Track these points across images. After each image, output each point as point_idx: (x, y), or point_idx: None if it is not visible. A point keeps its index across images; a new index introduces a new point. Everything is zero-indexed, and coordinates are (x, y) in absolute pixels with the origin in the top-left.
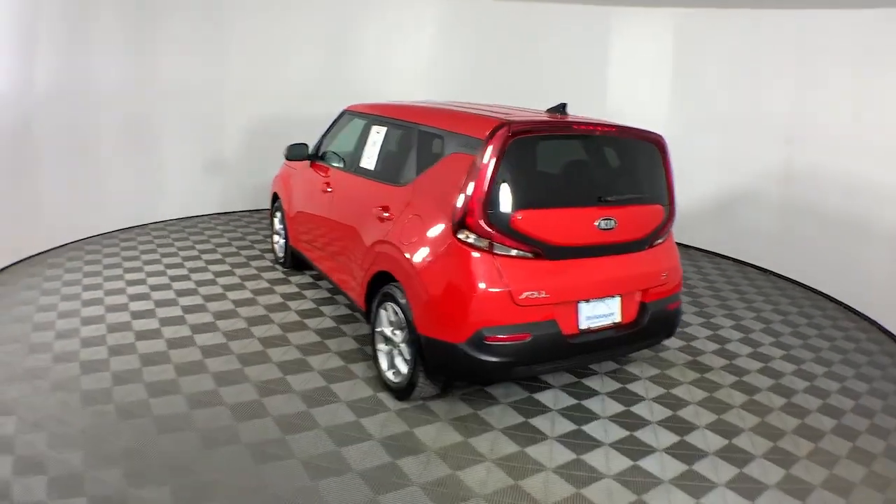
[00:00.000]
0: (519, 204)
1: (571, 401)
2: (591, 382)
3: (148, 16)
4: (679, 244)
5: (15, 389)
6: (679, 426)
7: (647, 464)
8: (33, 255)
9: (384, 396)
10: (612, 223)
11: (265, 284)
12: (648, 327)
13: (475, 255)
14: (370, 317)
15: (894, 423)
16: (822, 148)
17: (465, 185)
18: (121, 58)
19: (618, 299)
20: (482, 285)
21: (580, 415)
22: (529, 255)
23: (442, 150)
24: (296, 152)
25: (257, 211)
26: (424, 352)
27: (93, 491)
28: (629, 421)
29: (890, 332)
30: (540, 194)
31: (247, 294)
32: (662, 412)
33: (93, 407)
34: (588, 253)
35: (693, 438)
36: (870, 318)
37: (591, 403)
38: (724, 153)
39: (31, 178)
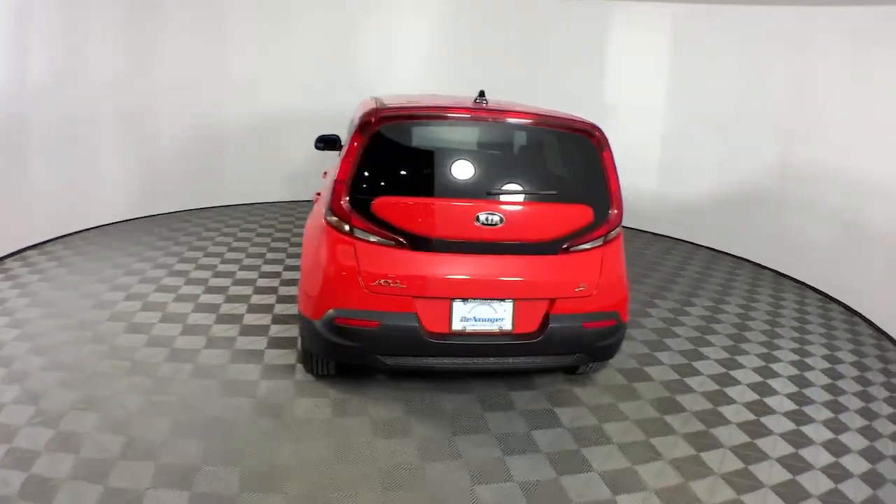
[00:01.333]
0: (383, 190)
1: (475, 410)
2: (518, 398)
3: (146, 5)
4: (680, 240)
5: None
6: (565, 464)
7: (483, 491)
8: (32, 246)
9: (301, 368)
10: (496, 219)
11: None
12: (546, 343)
13: (336, 237)
14: None
15: None
16: (820, 144)
17: (337, 170)
18: (118, 48)
19: (509, 304)
20: (335, 267)
21: (467, 423)
22: (390, 242)
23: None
24: (321, 142)
25: (263, 204)
26: (299, 326)
27: (30, 386)
28: (514, 445)
29: None
30: (409, 181)
31: (277, 268)
32: (564, 445)
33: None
34: (466, 249)
35: (569, 482)
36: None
37: (494, 418)
38: (721, 148)
39: (26, 169)
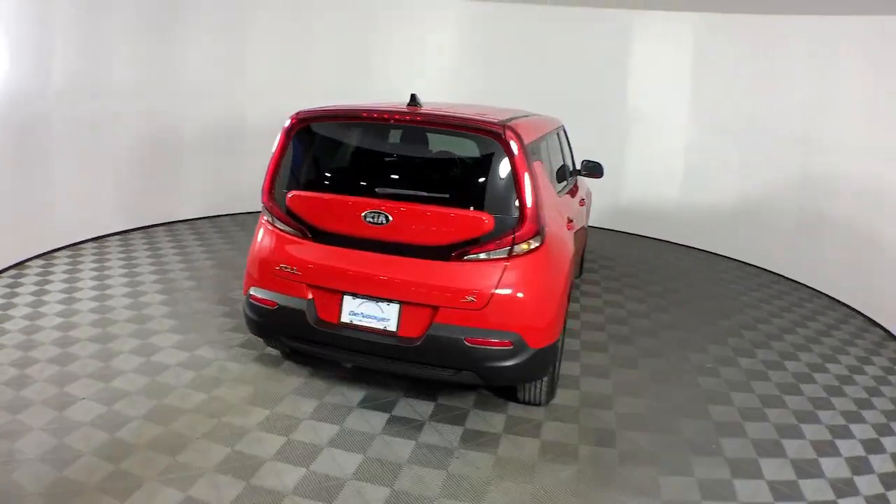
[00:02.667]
0: (293, 185)
1: (379, 414)
2: (425, 407)
3: (167, 11)
4: (699, 249)
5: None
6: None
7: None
8: (49, 252)
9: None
10: (381, 218)
11: None
12: (424, 351)
13: (264, 225)
14: None
15: None
16: (839, 153)
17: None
18: (139, 54)
19: (396, 306)
20: (257, 250)
21: (362, 420)
22: (297, 233)
23: None
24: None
25: None
26: None
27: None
28: (343, 439)
29: None
30: (314, 178)
31: None
32: (432, 478)
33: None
34: (355, 245)
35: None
36: None
37: (359, 414)
38: (742, 157)
39: (46, 174)
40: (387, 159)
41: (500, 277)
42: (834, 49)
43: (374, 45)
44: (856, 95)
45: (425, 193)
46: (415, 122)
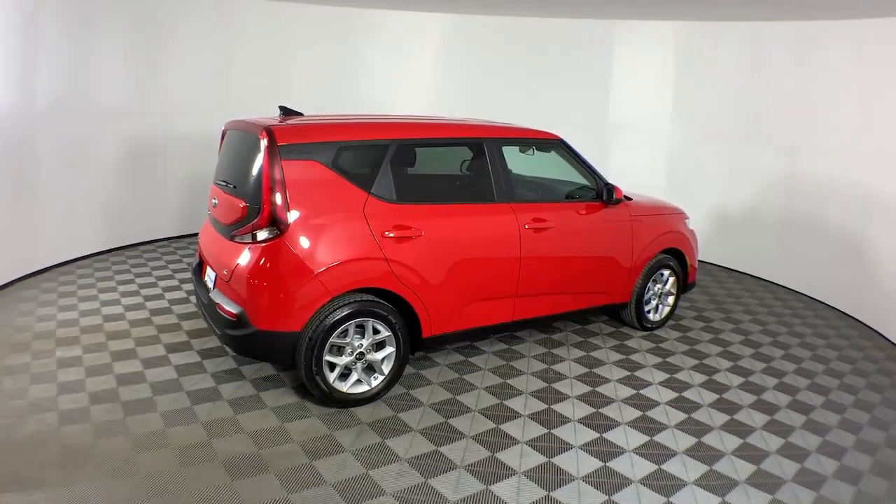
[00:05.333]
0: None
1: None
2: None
3: (151, 31)
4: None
5: None
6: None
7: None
8: (36, 272)
9: None
10: (213, 202)
11: None
12: (207, 311)
13: None
14: None
15: None
16: (824, 159)
17: None
18: (124, 73)
19: (213, 274)
20: None
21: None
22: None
23: None
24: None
25: None
26: None
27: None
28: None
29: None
30: (217, 171)
31: None
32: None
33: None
34: (212, 223)
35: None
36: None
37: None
38: (727, 165)
39: (32, 194)
40: (225, 156)
41: (241, 257)
42: (821, 54)
43: (361, 60)
44: (841, 100)
45: (227, 183)
46: (233, 128)
